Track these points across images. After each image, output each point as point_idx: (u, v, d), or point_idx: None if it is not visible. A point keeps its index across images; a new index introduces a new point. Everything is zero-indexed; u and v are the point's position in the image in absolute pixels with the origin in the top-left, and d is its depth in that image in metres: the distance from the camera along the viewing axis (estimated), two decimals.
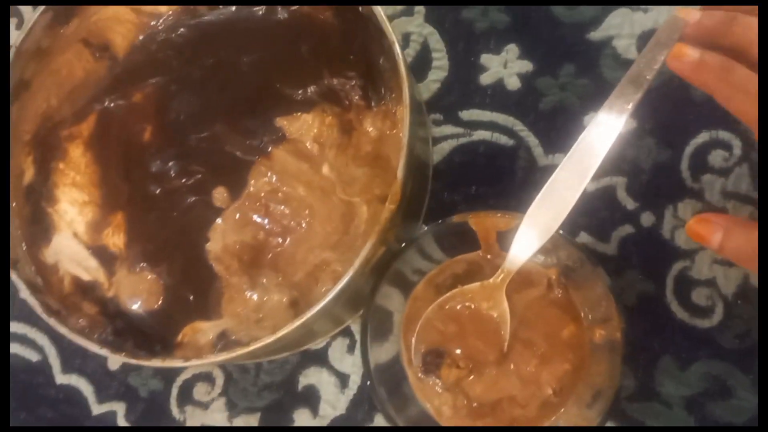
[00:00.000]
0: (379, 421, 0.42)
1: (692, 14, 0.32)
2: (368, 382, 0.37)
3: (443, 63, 0.45)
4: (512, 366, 0.37)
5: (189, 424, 0.44)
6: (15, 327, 0.48)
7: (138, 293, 0.40)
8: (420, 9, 0.46)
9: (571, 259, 0.37)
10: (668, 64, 0.31)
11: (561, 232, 0.34)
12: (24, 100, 0.43)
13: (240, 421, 0.43)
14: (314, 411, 0.43)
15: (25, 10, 0.53)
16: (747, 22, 0.29)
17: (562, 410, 0.36)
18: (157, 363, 0.36)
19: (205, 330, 0.39)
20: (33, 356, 0.47)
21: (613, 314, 0.34)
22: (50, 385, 0.47)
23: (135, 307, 0.40)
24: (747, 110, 0.28)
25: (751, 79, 0.28)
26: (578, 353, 0.37)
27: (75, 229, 0.42)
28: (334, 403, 0.43)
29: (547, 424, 0.36)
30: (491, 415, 0.37)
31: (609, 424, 0.39)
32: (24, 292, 0.39)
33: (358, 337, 0.43)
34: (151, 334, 0.39)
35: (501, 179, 0.43)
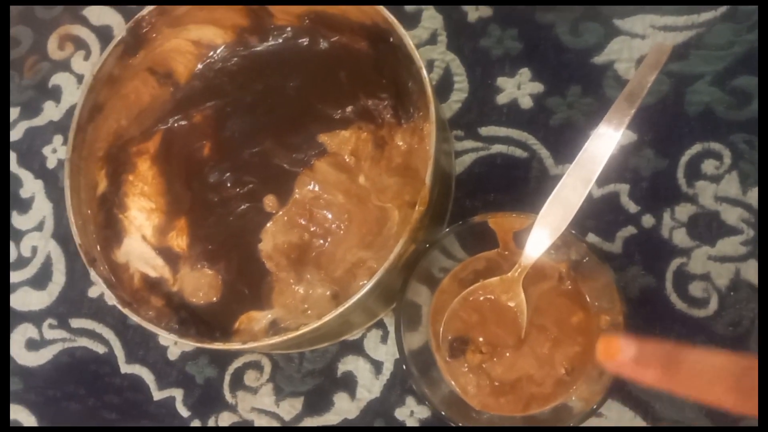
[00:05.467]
0: (411, 403, 0.47)
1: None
2: (404, 366, 0.41)
3: (464, 85, 0.51)
4: (529, 349, 0.42)
5: (240, 407, 0.49)
6: (84, 323, 0.54)
7: (199, 288, 0.46)
8: (442, 38, 0.52)
9: (579, 254, 0.42)
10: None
11: (572, 231, 0.40)
12: (98, 121, 0.49)
13: (286, 404, 0.49)
14: (352, 394, 0.48)
15: (91, 42, 0.59)
16: None
17: (574, 387, 0.41)
18: (219, 346, 0.41)
19: (259, 319, 0.44)
20: (100, 349, 0.53)
21: (616, 301, 0.39)
22: (116, 374, 0.52)
23: (197, 299, 0.46)
24: None
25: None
26: (587, 337, 0.41)
27: (143, 233, 0.48)
28: (369, 388, 0.48)
29: (561, 400, 0.41)
30: (511, 393, 0.42)
31: (617, 404, 0.44)
32: (101, 287, 0.44)
33: (390, 328, 0.48)
34: (211, 323, 0.45)
35: (516, 187, 0.48)
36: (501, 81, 0.50)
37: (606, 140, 0.38)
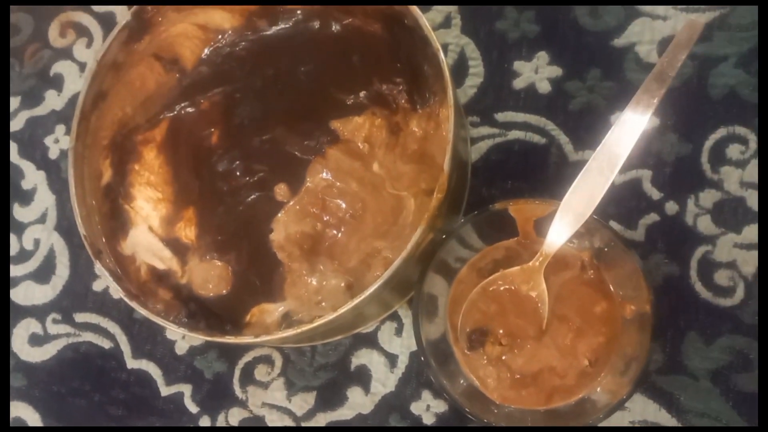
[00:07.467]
0: (427, 397, 0.45)
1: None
2: (422, 358, 0.40)
3: (479, 70, 0.49)
4: (550, 340, 0.41)
5: (251, 402, 0.48)
6: (89, 318, 0.52)
7: (209, 279, 0.44)
8: (456, 22, 0.50)
9: (603, 242, 0.40)
10: None
11: (595, 217, 0.38)
12: (102, 109, 0.47)
13: (298, 399, 0.47)
14: (366, 389, 0.46)
15: (94, 29, 0.58)
16: None
17: (599, 379, 0.40)
18: (230, 339, 0.40)
19: (271, 311, 0.43)
20: (106, 344, 0.52)
21: (643, 289, 0.38)
22: (122, 370, 0.51)
23: (206, 292, 0.44)
24: None
25: None
26: (611, 327, 0.40)
27: (150, 224, 0.46)
28: (384, 381, 0.46)
29: (585, 392, 0.40)
30: (533, 385, 0.40)
31: (641, 396, 0.42)
32: (107, 280, 0.43)
33: (405, 321, 0.47)
34: (221, 316, 0.43)
35: (535, 174, 0.47)
36: (518, 65, 0.49)
37: (633, 123, 0.37)
